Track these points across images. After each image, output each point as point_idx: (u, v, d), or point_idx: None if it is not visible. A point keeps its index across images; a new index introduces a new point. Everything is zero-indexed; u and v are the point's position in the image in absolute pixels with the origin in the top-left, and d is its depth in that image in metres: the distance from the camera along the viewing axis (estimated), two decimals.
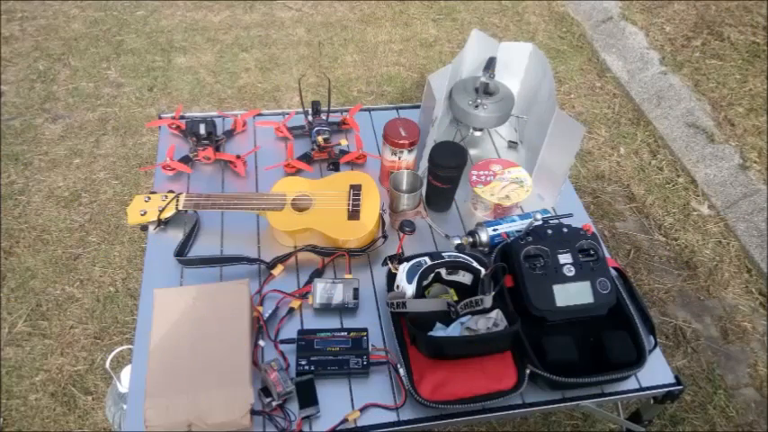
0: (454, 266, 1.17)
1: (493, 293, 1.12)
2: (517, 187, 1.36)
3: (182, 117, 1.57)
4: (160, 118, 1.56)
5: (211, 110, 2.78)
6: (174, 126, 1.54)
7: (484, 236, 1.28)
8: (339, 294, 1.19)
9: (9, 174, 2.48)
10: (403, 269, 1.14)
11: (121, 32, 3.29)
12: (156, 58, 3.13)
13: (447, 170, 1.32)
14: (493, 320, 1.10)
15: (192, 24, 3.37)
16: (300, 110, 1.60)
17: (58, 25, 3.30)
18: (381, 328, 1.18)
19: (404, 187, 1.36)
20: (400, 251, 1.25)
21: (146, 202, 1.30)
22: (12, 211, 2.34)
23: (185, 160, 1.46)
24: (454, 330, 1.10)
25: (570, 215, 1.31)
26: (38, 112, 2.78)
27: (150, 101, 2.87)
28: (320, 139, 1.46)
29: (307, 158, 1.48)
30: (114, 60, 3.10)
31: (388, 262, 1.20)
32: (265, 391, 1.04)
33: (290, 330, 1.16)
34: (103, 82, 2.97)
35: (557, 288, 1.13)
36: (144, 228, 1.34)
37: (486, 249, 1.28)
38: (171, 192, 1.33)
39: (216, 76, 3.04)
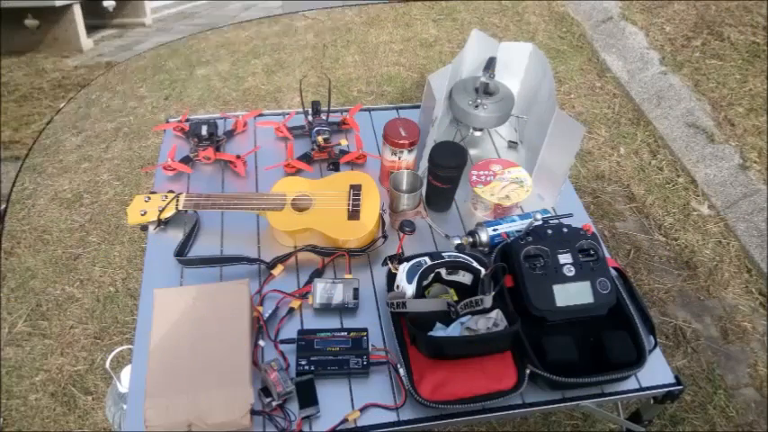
0: (454, 266, 1.17)
1: (493, 293, 1.12)
2: (517, 187, 1.36)
3: (187, 120, 1.57)
4: (167, 122, 1.57)
5: (216, 112, 2.80)
6: (178, 129, 1.54)
7: (484, 236, 1.28)
8: (339, 294, 1.19)
9: (24, 182, 2.52)
10: (403, 269, 1.14)
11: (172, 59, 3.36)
12: (182, 73, 3.20)
13: (447, 170, 1.32)
14: (493, 320, 1.10)
15: (224, 42, 3.46)
16: (300, 110, 1.60)
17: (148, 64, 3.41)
18: (381, 328, 1.18)
19: (404, 187, 1.36)
20: (400, 251, 1.25)
21: (146, 202, 1.30)
22: (17, 214, 2.35)
23: (186, 160, 1.46)
24: (454, 330, 1.09)
25: (570, 215, 1.31)
26: (68, 129, 2.86)
27: (163, 108, 2.92)
28: (320, 139, 1.46)
29: (307, 158, 1.48)
30: (150, 79, 3.18)
31: (388, 262, 1.20)
32: (265, 391, 1.04)
33: (290, 330, 1.16)
34: (132, 97, 3.04)
35: (557, 288, 1.13)
36: (144, 228, 1.34)
37: (486, 249, 1.28)
38: (171, 192, 1.33)
39: (225, 81, 3.07)
